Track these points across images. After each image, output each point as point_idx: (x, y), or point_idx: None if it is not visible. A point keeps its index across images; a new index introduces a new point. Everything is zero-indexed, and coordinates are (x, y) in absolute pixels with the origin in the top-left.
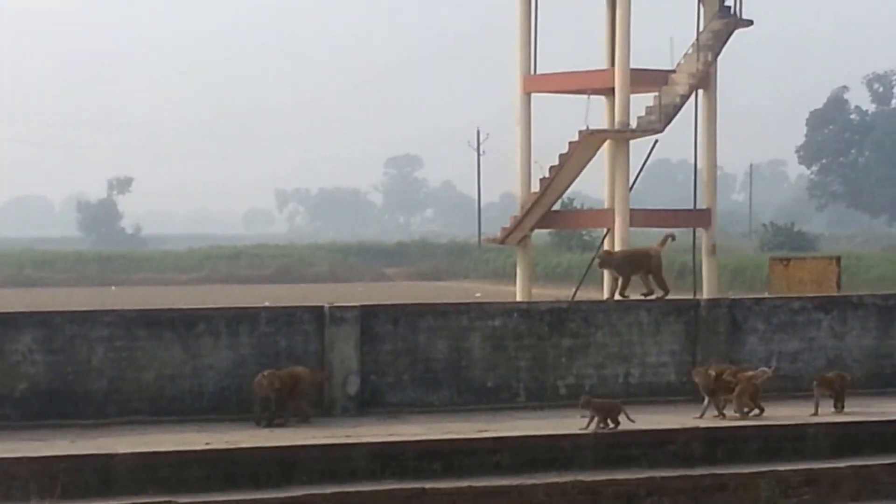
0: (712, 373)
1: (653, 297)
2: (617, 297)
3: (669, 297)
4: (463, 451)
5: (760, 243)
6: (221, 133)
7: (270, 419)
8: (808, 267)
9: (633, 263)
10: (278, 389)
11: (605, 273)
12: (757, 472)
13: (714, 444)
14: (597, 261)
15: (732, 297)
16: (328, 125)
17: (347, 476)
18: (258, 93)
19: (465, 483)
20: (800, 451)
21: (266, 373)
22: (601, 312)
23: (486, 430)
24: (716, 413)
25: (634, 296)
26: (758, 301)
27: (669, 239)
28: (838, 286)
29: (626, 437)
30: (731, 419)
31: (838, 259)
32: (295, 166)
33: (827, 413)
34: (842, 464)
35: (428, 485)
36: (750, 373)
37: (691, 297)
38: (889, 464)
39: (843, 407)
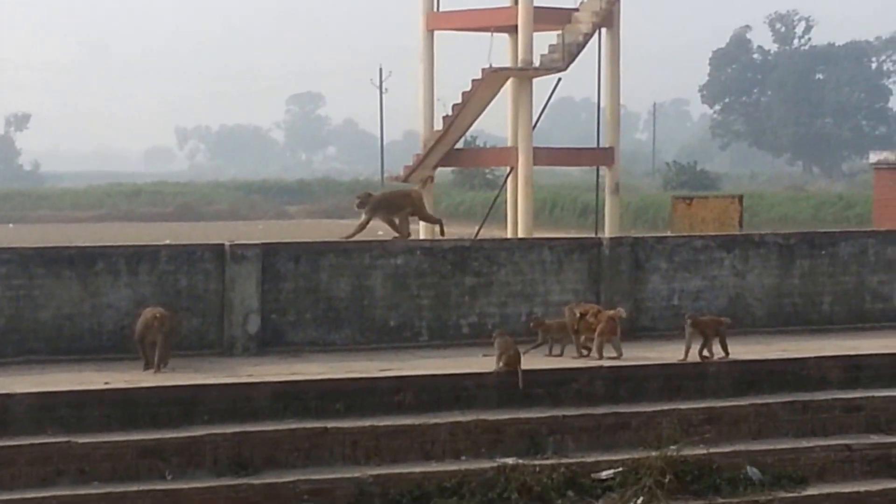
0: (577, 312)
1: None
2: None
3: (572, 235)
4: (365, 390)
5: (663, 182)
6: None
7: (162, 361)
8: (711, 206)
9: (393, 204)
10: (169, 331)
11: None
12: (659, 411)
13: (617, 382)
14: (355, 202)
15: (635, 235)
16: (228, 62)
17: (249, 416)
18: (158, 30)
19: (367, 422)
20: (701, 389)
21: (158, 313)
22: (504, 251)
23: (388, 370)
24: (575, 354)
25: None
26: (660, 239)
27: (430, 180)
28: (740, 225)
29: (530, 376)
30: (589, 359)
31: (740, 198)
32: (196, 104)
33: (709, 358)
34: (743, 402)
35: (330, 424)
36: (610, 312)
37: (593, 235)
38: (789, 401)
39: (726, 352)
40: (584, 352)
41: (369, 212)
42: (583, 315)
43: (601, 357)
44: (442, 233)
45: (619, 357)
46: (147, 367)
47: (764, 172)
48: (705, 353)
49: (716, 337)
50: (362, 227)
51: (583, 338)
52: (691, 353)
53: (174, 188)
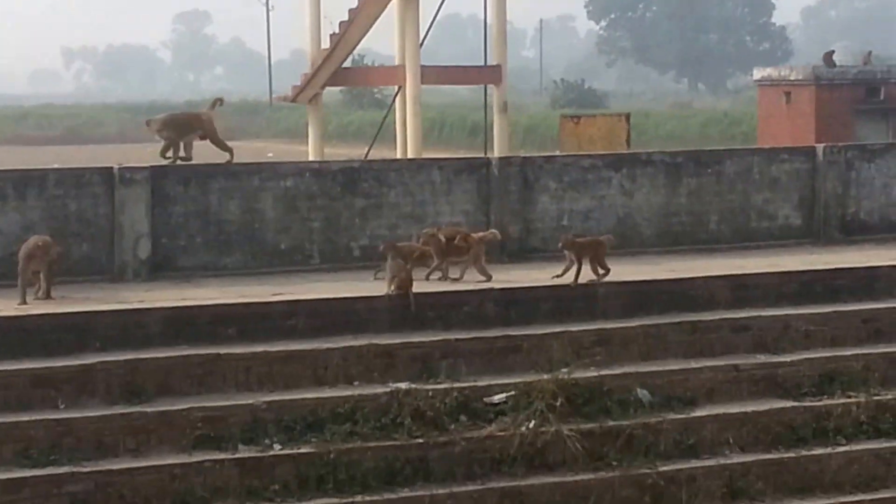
0: (442, 237)
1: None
2: (176, 161)
3: (463, 156)
4: (257, 315)
5: (551, 101)
6: None
7: (45, 291)
8: (599, 124)
9: (181, 126)
10: (53, 260)
11: None
12: (550, 333)
13: (508, 305)
14: (145, 126)
15: (524, 155)
16: None
17: (141, 343)
18: None
19: (260, 348)
20: (591, 311)
21: (41, 241)
22: (393, 172)
23: (280, 294)
24: (444, 276)
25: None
26: (549, 159)
27: (218, 102)
28: (628, 143)
29: (421, 299)
30: (468, 282)
31: (627, 116)
32: (81, 23)
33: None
34: (632, 323)
35: (223, 350)
36: (479, 234)
37: (482, 155)
38: (677, 322)
39: (604, 272)
40: (458, 276)
41: (158, 130)
42: (449, 240)
43: (487, 279)
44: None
45: (487, 280)
46: (22, 302)
47: (650, 90)
48: (577, 276)
49: (596, 258)
50: (170, 147)
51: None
52: (568, 275)
53: (61, 111)
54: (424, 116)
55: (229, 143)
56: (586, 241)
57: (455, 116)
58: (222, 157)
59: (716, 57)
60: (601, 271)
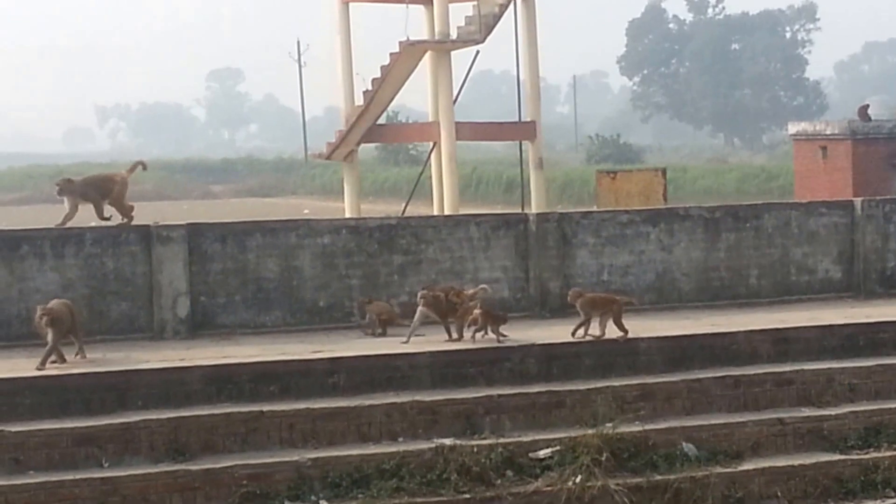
0: (441, 294)
1: (115, 222)
2: (100, 221)
3: (500, 212)
4: (299, 372)
5: (587, 156)
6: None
7: (49, 355)
8: (635, 179)
9: (96, 188)
10: (60, 324)
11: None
12: (593, 388)
13: (549, 361)
14: (56, 189)
15: (561, 210)
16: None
17: (183, 400)
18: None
19: (302, 405)
20: (633, 366)
21: (44, 310)
22: (431, 228)
23: (321, 351)
24: (452, 336)
25: None
26: (586, 214)
27: (140, 166)
28: (665, 198)
29: (463, 356)
30: (465, 342)
31: (664, 171)
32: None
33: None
34: (675, 378)
35: (265, 407)
36: (470, 291)
37: (520, 211)
38: (720, 376)
39: (622, 334)
40: (455, 335)
41: (77, 196)
42: (446, 296)
43: (466, 337)
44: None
45: (484, 335)
46: (41, 364)
47: (686, 145)
48: (585, 331)
49: (607, 315)
50: (72, 213)
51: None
52: (580, 332)
53: (96, 169)
54: (460, 172)
55: (266, 201)
56: (596, 296)
57: (491, 172)
58: (252, 211)
59: (750, 112)
60: (620, 333)
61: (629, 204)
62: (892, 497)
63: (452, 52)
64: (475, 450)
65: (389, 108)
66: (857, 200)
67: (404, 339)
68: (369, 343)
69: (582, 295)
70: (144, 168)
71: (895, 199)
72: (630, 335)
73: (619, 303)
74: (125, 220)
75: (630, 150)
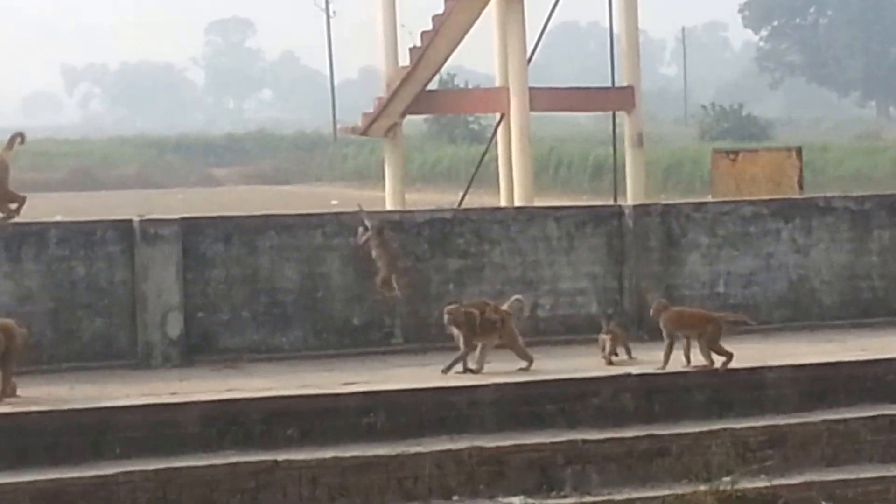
0: (474, 311)
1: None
2: None
3: (586, 203)
4: (325, 411)
5: (700, 131)
6: None
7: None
8: (762, 161)
9: None
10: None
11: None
12: (706, 432)
13: (650, 396)
14: None
15: (666, 201)
16: None
17: (174, 447)
18: None
19: (329, 453)
20: (759, 403)
21: None
22: (497, 224)
23: (353, 383)
24: (471, 367)
25: None
26: (698, 206)
27: (18, 139)
28: (800, 185)
29: (538, 389)
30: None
31: (799, 150)
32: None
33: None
34: (813, 418)
35: (281, 456)
36: (504, 306)
37: (612, 202)
38: (872, 416)
39: (726, 358)
40: (476, 366)
41: None
42: (481, 313)
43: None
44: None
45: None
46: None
47: (828, 117)
48: (668, 358)
49: (699, 338)
50: None
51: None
52: (675, 357)
53: (65, 147)
54: (535, 152)
55: (284, 189)
56: (686, 312)
57: (575, 152)
58: (264, 203)
59: None
60: (717, 358)
61: (754, 193)
62: None
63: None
64: None
65: (444, 71)
66: None
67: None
68: (415, 372)
69: (667, 308)
70: (22, 141)
71: None
72: (755, 364)
73: (716, 322)
74: (7, 215)
75: (755, 124)
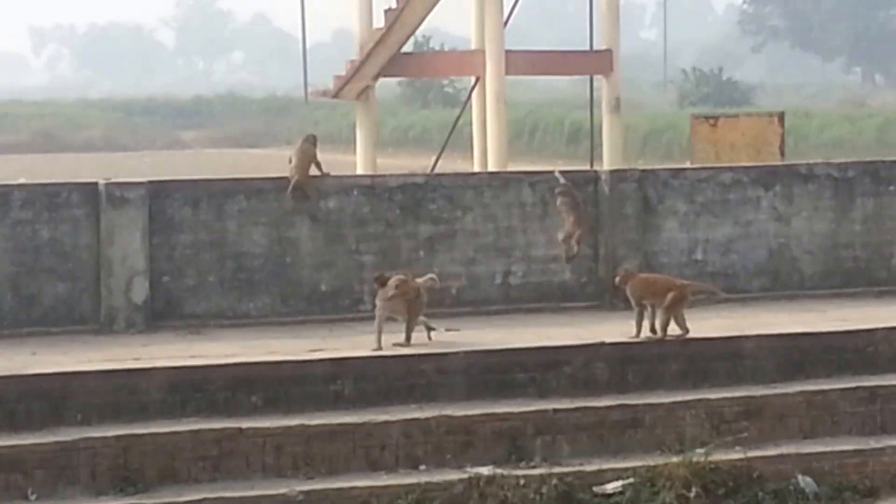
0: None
1: None
2: None
3: (561, 168)
4: (291, 377)
5: (679, 96)
6: None
7: None
8: (743, 127)
9: None
10: None
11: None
12: (680, 402)
13: (624, 365)
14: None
15: (643, 167)
16: None
17: (136, 414)
18: None
19: (294, 421)
20: (736, 373)
21: None
22: (470, 189)
23: (320, 350)
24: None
25: None
26: (676, 173)
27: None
28: (782, 152)
29: (508, 358)
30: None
31: (781, 116)
32: None
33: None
34: (790, 389)
35: (245, 424)
36: (419, 280)
37: (588, 168)
38: (851, 388)
39: (682, 332)
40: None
41: None
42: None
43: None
44: None
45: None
46: None
47: (812, 82)
48: (639, 328)
49: (672, 307)
50: None
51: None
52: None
53: (30, 108)
54: (511, 116)
55: (254, 152)
56: (651, 279)
57: (551, 117)
58: (233, 166)
59: None
60: (677, 330)
61: (734, 159)
62: None
63: None
64: (521, 482)
65: (419, 33)
66: None
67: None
68: (384, 338)
69: (633, 276)
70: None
71: None
72: (732, 333)
73: (681, 289)
74: None
75: (736, 89)
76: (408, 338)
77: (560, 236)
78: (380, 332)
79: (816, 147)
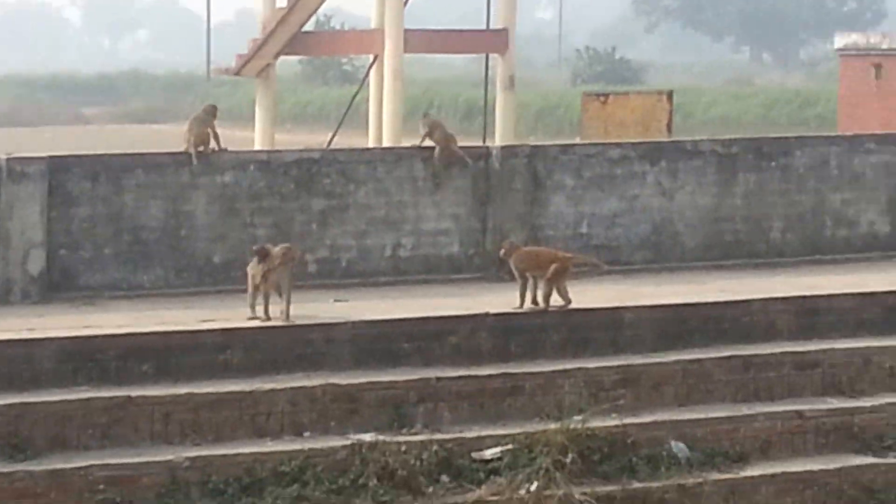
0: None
1: None
2: None
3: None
4: (180, 347)
5: (573, 74)
6: None
7: None
8: (633, 104)
9: None
10: None
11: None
12: (560, 371)
13: (507, 335)
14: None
15: (534, 143)
16: None
17: (28, 383)
18: None
19: (182, 389)
20: (615, 343)
21: None
22: (364, 164)
23: (211, 320)
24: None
25: None
26: (566, 149)
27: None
28: (669, 129)
29: (394, 328)
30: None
31: (670, 94)
32: None
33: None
34: (667, 358)
35: (135, 392)
36: (279, 248)
37: (481, 143)
38: (726, 357)
39: (564, 302)
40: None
41: None
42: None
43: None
44: None
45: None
46: None
47: (702, 61)
48: (523, 298)
49: (554, 279)
50: None
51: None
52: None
53: None
54: (408, 93)
55: (155, 127)
56: (534, 251)
57: (447, 94)
58: (134, 142)
59: (787, 20)
60: (559, 301)
61: (623, 135)
62: None
63: None
64: (403, 448)
65: (320, 12)
66: None
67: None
68: (274, 311)
69: (517, 248)
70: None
71: None
72: (614, 304)
73: (564, 262)
74: None
75: (628, 68)
76: (287, 311)
77: (436, 158)
78: (267, 303)
79: (704, 124)
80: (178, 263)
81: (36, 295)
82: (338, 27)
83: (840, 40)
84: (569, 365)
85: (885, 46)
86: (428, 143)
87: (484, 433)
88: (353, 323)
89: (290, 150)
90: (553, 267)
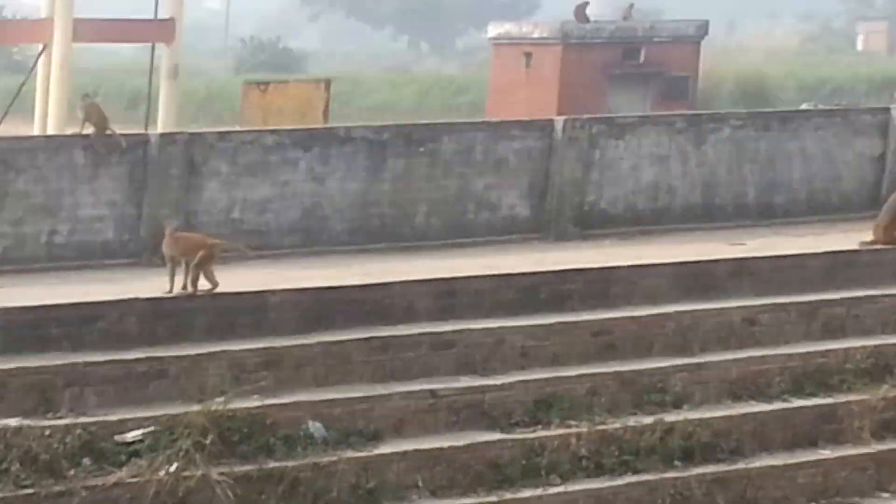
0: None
1: None
2: None
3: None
4: None
5: (237, 63)
6: None
7: None
8: (291, 93)
9: None
10: None
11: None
12: (206, 354)
13: (156, 320)
14: None
15: (192, 131)
16: None
17: None
18: None
19: None
20: (260, 326)
21: None
22: (24, 152)
23: None
24: None
25: None
26: (223, 136)
27: None
28: (326, 116)
29: (43, 314)
30: None
31: (328, 82)
32: None
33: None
34: (309, 340)
35: None
36: None
37: (144, 131)
38: (366, 338)
39: (210, 286)
40: None
41: None
42: None
43: None
44: None
45: None
46: None
47: (363, 50)
48: (172, 283)
49: (201, 264)
50: None
51: None
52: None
53: None
54: (77, 82)
55: None
56: (181, 237)
57: (113, 83)
58: None
59: (445, 9)
60: (207, 285)
61: (280, 123)
62: (556, 485)
63: None
64: (47, 432)
65: None
66: (559, 120)
67: None
68: None
69: (166, 235)
70: None
71: (604, 118)
72: (260, 288)
73: (210, 247)
74: None
75: (290, 57)
76: None
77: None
78: None
79: (361, 111)
80: None
81: None
82: (10, 16)
83: (493, 29)
84: (214, 348)
85: (535, 35)
86: (89, 129)
87: (127, 416)
88: (5, 309)
89: None
90: (200, 253)
